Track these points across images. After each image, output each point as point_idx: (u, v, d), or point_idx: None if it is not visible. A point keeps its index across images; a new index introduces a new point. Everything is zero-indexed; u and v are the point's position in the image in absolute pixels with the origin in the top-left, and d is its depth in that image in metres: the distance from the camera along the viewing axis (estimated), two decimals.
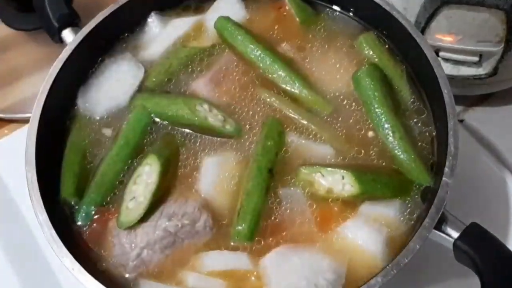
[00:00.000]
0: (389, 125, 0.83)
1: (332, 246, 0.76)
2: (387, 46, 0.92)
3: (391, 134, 0.83)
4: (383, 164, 0.82)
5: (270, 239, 0.77)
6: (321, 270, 0.73)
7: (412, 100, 0.87)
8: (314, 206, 0.79)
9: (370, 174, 0.80)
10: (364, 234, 0.76)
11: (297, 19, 0.97)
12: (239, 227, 0.77)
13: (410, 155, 0.81)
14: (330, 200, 0.79)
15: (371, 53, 0.91)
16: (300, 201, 0.79)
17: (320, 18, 0.98)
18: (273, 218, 0.78)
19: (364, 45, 0.92)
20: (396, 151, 0.82)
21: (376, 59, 0.90)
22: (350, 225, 0.77)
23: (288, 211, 0.79)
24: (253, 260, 0.75)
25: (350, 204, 0.79)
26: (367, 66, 0.88)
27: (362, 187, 0.78)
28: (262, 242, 0.77)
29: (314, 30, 0.96)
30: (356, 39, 0.93)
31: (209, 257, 0.76)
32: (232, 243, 0.77)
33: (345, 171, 0.78)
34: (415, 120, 0.86)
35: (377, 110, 0.84)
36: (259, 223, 0.77)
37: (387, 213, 0.78)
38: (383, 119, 0.83)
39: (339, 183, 0.78)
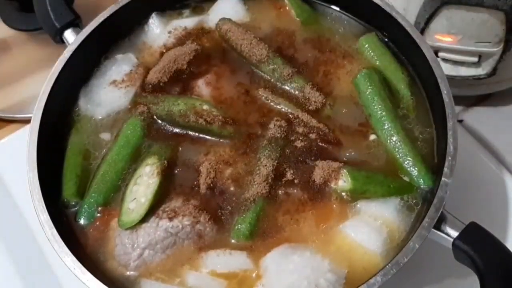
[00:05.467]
0: (389, 128, 0.83)
1: (332, 246, 0.77)
2: (388, 47, 0.93)
3: (391, 137, 0.83)
4: (384, 165, 0.83)
5: (271, 238, 0.77)
6: (322, 270, 0.73)
7: (411, 101, 0.88)
8: (315, 205, 0.79)
9: (364, 171, 0.80)
10: (365, 234, 0.76)
11: (298, 19, 0.98)
12: (239, 226, 0.77)
13: (410, 157, 0.81)
14: (329, 198, 0.79)
15: (372, 54, 0.91)
16: (300, 200, 0.80)
17: (321, 19, 0.98)
18: (274, 217, 0.79)
19: (366, 46, 0.92)
20: (396, 154, 0.82)
21: (377, 61, 0.91)
22: (350, 224, 0.78)
23: (288, 210, 0.79)
24: (253, 259, 0.76)
25: (350, 203, 0.79)
26: (365, 70, 0.88)
27: (355, 183, 0.79)
28: (263, 241, 0.77)
29: (314, 30, 0.96)
30: (357, 39, 0.94)
31: (209, 257, 0.76)
32: (232, 241, 0.77)
33: (342, 164, 0.80)
34: (414, 120, 0.86)
35: (376, 113, 0.85)
36: (259, 222, 0.78)
37: (387, 212, 0.78)
38: (383, 122, 0.84)
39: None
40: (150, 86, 0.90)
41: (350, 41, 0.94)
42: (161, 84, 0.90)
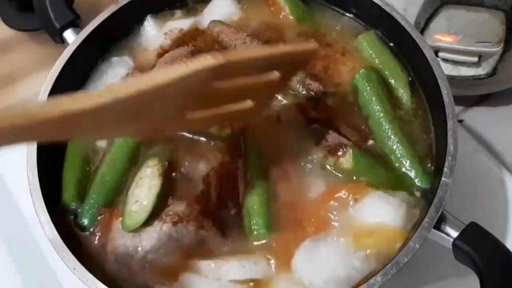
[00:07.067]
0: (387, 129, 0.83)
1: (352, 226, 0.76)
2: (387, 46, 0.93)
3: (389, 138, 0.82)
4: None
5: (284, 236, 0.77)
6: (350, 251, 0.73)
7: (411, 100, 0.87)
8: (327, 190, 0.79)
9: (369, 158, 0.80)
10: (383, 212, 0.76)
11: (292, 17, 0.97)
12: (254, 221, 0.76)
13: (408, 158, 0.81)
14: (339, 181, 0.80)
15: (370, 52, 0.91)
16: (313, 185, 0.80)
17: (319, 18, 0.97)
18: (284, 212, 0.78)
19: (364, 44, 0.92)
20: (393, 156, 0.82)
21: (376, 59, 0.91)
22: (368, 203, 0.77)
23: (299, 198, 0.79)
24: (262, 264, 0.75)
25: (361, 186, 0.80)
26: (363, 70, 0.88)
27: (356, 166, 0.79)
28: (279, 239, 0.77)
29: (311, 29, 0.96)
30: (356, 39, 0.93)
31: (213, 263, 0.75)
32: (240, 246, 0.76)
33: (351, 144, 0.80)
34: (414, 120, 0.86)
35: (374, 114, 0.84)
36: (270, 216, 0.77)
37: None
38: (381, 123, 0.83)
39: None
40: None
41: (349, 40, 0.94)
42: None
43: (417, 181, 0.80)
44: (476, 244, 0.73)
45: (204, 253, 0.76)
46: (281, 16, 0.98)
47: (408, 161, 0.81)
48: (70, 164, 0.84)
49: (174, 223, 0.76)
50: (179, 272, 0.75)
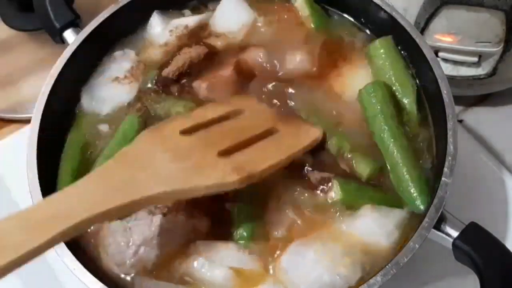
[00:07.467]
0: (390, 145, 0.80)
1: (342, 236, 0.76)
2: (401, 54, 0.90)
3: (392, 156, 0.80)
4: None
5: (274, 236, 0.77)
6: (337, 256, 0.73)
7: (417, 115, 0.85)
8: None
9: (354, 183, 0.79)
10: (375, 232, 0.75)
11: (312, 25, 0.94)
12: (239, 231, 0.76)
13: (409, 179, 0.79)
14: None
15: (384, 58, 0.88)
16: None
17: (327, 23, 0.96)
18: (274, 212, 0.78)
19: (381, 51, 0.88)
20: (393, 175, 0.80)
21: (388, 69, 0.87)
22: (360, 222, 0.77)
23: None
24: (253, 256, 0.75)
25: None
26: (372, 83, 0.85)
27: (345, 195, 0.77)
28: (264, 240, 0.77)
29: (323, 33, 0.94)
30: (368, 44, 0.91)
31: (208, 251, 0.75)
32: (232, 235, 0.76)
33: (333, 175, 0.79)
34: (418, 136, 0.84)
35: (379, 131, 0.82)
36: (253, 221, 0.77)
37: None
38: (385, 140, 0.81)
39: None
40: (157, 85, 0.89)
41: (354, 44, 0.93)
42: (167, 83, 0.89)
43: (415, 204, 0.78)
44: (476, 244, 0.73)
45: (197, 242, 0.76)
46: (296, 21, 0.95)
47: (407, 183, 0.79)
48: (68, 156, 0.85)
49: (164, 214, 0.76)
50: (175, 264, 0.75)
